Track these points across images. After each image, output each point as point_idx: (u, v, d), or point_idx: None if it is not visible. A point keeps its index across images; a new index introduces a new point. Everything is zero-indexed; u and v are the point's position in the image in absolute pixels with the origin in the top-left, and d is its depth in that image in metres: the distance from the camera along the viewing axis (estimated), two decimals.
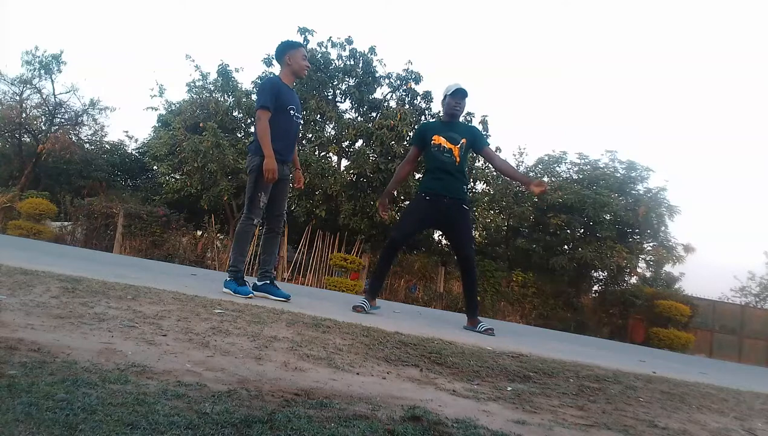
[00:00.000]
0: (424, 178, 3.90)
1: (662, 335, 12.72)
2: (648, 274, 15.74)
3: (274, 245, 3.65)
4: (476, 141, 3.86)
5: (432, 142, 3.77)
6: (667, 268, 15.36)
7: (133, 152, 18.76)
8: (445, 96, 3.86)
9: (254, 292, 3.38)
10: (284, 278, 12.28)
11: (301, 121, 3.67)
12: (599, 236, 13.85)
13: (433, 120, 4.34)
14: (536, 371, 2.25)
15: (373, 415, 1.32)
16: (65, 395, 1.12)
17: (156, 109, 15.62)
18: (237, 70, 14.12)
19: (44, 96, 16.58)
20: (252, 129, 15.24)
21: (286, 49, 3.54)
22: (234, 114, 14.15)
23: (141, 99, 45.82)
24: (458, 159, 3.73)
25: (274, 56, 3.80)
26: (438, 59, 44.96)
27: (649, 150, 46.33)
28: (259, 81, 14.43)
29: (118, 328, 1.85)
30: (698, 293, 15.08)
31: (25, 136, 17.14)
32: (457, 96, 3.81)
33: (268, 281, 3.54)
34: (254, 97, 14.17)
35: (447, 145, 3.73)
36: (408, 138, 13.00)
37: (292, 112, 3.49)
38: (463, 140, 3.76)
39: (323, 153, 13.52)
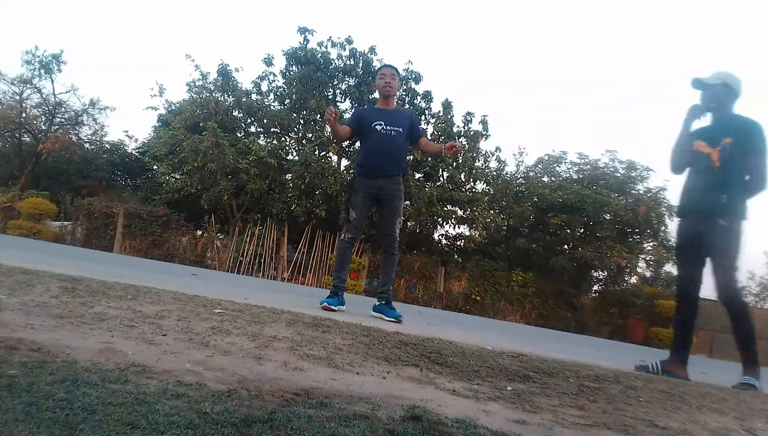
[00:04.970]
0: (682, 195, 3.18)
1: (662, 335, 12.71)
2: (648, 273, 15.77)
3: (387, 265, 3.62)
4: (744, 143, 2.90)
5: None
6: (667, 267, 15.37)
7: (133, 152, 18.77)
8: (723, 83, 2.98)
9: (373, 312, 3.44)
10: (284, 278, 12.29)
11: (393, 133, 3.53)
12: (599, 235, 13.86)
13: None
14: (536, 371, 2.25)
15: (373, 415, 1.32)
16: (65, 394, 1.12)
17: (156, 109, 15.65)
18: (237, 70, 14.15)
19: (44, 96, 16.61)
20: (252, 128, 15.31)
21: (372, 79, 3.73)
22: (234, 114, 14.16)
23: (141, 99, 45.85)
24: (717, 164, 2.90)
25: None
26: (438, 59, 44.97)
27: (649, 150, 46.33)
28: (259, 81, 14.54)
29: (118, 328, 1.85)
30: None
31: (25, 136, 17.15)
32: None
33: (384, 302, 3.52)
34: (254, 96, 14.34)
35: (705, 149, 2.98)
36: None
37: (378, 127, 3.50)
38: (727, 140, 2.88)
39: (323, 153, 13.52)
